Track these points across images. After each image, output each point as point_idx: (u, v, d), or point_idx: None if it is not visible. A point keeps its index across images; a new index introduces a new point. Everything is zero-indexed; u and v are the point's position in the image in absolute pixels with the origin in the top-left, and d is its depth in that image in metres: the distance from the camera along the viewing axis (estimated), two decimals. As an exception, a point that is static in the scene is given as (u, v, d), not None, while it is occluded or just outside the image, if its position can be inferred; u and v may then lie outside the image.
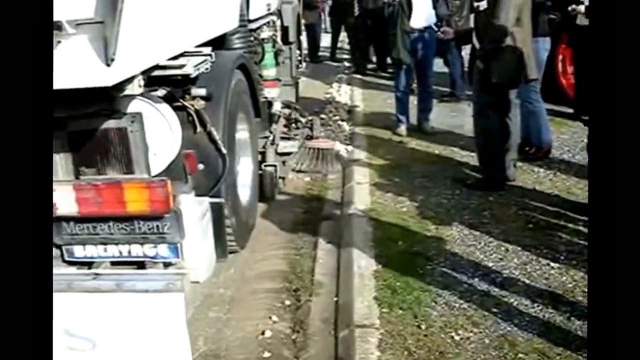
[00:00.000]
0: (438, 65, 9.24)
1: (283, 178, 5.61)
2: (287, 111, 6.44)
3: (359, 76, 11.04)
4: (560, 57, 6.83)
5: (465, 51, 7.74)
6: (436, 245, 4.17)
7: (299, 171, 6.08)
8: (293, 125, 6.48)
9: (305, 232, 4.75)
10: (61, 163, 2.95)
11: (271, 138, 5.41)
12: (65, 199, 2.88)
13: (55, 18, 2.19)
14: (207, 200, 3.30)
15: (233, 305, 3.80)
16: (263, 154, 5.06)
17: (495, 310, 3.40)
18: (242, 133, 4.29)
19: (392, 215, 4.73)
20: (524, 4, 4.93)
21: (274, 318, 3.64)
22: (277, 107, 5.77)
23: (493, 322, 3.29)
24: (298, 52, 7.42)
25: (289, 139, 6.08)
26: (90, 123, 2.85)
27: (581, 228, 4.26)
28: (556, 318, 3.30)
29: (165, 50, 3.04)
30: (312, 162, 6.18)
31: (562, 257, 3.92)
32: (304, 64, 8.14)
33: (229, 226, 3.73)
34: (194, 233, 3.09)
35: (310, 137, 6.46)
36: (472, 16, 7.07)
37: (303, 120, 6.63)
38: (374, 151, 6.42)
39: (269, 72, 5.52)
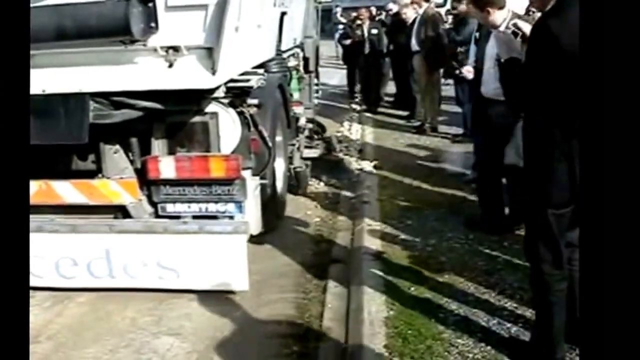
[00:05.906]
0: (451, 104, 9.25)
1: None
2: (310, 125, 7.73)
3: (370, 114, 11.02)
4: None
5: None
6: (449, 292, 4.05)
7: (320, 179, 7.09)
8: (315, 136, 7.95)
9: (314, 276, 4.65)
10: (159, 144, 4.22)
11: (297, 145, 6.59)
12: (167, 167, 4.09)
13: (176, 44, 3.62)
14: (258, 179, 4.49)
15: (238, 350, 3.68)
16: (291, 158, 6.24)
17: (511, 361, 3.26)
18: (279, 138, 5.37)
19: (403, 259, 4.62)
20: None
21: (281, 365, 3.52)
22: (302, 121, 6.96)
23: (509, 375, 3.16)
24: (316, 80, 8.57)
25: (311, 147, 7.43)
26: (183, 117, 4.17)
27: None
28: (575, 370, 3.16)
29: (241, 67, 4.29)
30: (331, 172, 7.38)
31: (579, 307, 3.79)
32: (319, 91, 9.17)
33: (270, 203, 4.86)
34: (250, 198, 4.23)
35: (328, 152, 7.92)
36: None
37: (324, 134, 8.24)
38: (384, 192, 6.33)
39: (294, 94, 6.57)
